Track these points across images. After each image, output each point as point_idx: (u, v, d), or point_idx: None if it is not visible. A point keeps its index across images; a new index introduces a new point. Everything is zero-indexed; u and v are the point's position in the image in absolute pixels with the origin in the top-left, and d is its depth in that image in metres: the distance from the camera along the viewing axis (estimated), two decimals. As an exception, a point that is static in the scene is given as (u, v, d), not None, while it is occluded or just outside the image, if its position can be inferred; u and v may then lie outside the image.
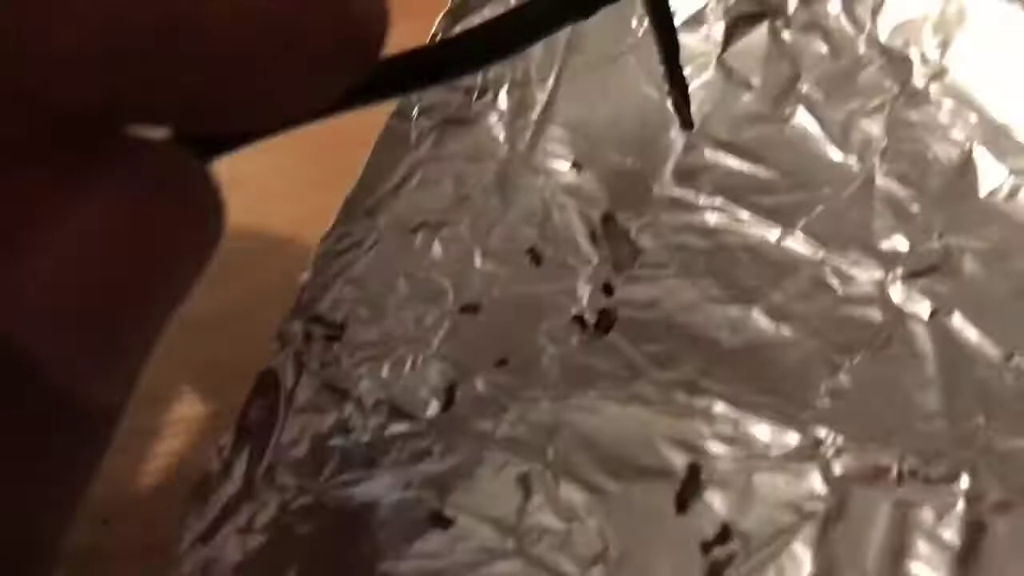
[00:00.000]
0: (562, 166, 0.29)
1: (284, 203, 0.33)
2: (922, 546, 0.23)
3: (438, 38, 0.30)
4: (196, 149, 0.14)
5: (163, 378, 0.33)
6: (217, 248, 0.14)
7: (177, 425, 0.32)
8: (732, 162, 0.28)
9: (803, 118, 0.29)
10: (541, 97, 0.30)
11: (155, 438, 0.32)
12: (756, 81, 0.29)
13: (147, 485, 0.31)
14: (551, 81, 0.30)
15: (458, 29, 0.30)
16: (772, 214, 0.27)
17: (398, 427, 0.26)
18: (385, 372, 0.27)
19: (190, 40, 0.11)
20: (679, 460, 0.25)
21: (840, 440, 0.24)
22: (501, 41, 0.20)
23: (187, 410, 0.32)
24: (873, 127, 0.28)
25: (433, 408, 0.26)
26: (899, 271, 0.26)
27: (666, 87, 0.28)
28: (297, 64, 0.12)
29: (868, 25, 0.29)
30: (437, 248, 0.28)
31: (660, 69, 0.30)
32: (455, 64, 0.19)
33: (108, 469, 0.34)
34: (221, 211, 0.13)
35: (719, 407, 0.25)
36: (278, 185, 0.33)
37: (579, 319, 0.27)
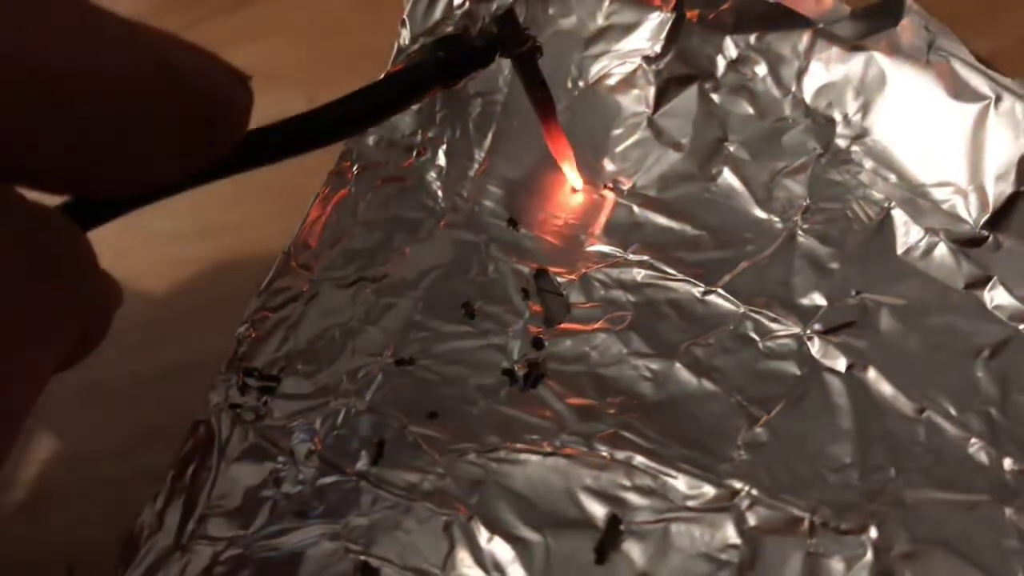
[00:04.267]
0: (498, 223, 0.30)
1: (255, 253, 0.34)
2: (832, 595, 0.23)
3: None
4: (82, 216, 0.15)
5: (124, 427, 0.33)
6: (90, 312, 0.14)
7: (137, 474, 0.32)
8: (660, 219, 0.29)
9: (729, 177, 0.29)
10: (478, 156, 0.31)
11: (121, 486, 0.32)
12: (685, 141, 0.30)
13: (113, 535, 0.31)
14: (488, 140, 0.31)
15: None
16: (697, 270, 0.28)
17: (328, 479, 0.27)
18: (318, 424, 0.27)
19: (66, 109, 0.12)
20: (599, 511, 0.25)
21: (755, 492, 0.25)
22: (375, 107, 0.21)
23: (146, 460, 0.32)
24: (796, 186, 0.29)
25: (363, 461, 0.27)
26: (817, 326, 0.27)
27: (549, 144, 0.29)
28: (164, 140, 0.13)
29: (793, 87, 0.30)
30: (372, 302, 0.29)
31: (594, 130, 0.31)
32: (330, 130, 0.20)
33: (77, 517, 0.34)
34: (91, 275, 0.14)
35: (639, 459, 0.25)
36: (250, 237, 0.34)
37: (509, 372, 0.28)
